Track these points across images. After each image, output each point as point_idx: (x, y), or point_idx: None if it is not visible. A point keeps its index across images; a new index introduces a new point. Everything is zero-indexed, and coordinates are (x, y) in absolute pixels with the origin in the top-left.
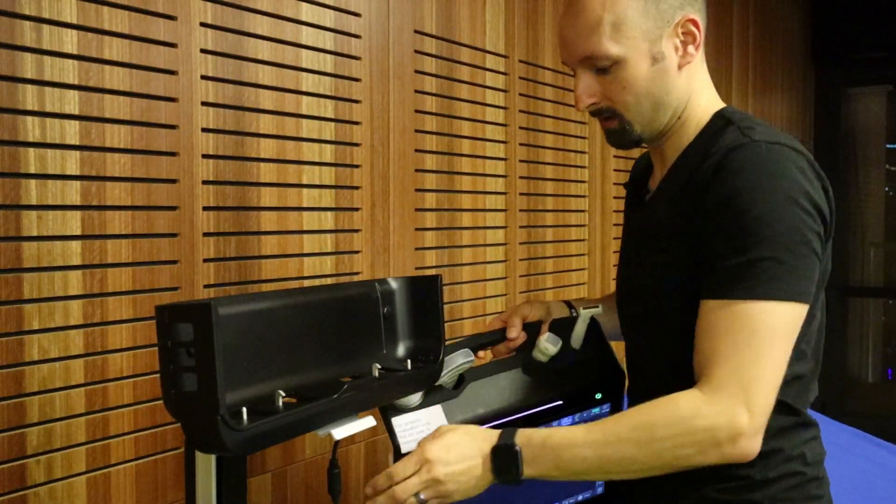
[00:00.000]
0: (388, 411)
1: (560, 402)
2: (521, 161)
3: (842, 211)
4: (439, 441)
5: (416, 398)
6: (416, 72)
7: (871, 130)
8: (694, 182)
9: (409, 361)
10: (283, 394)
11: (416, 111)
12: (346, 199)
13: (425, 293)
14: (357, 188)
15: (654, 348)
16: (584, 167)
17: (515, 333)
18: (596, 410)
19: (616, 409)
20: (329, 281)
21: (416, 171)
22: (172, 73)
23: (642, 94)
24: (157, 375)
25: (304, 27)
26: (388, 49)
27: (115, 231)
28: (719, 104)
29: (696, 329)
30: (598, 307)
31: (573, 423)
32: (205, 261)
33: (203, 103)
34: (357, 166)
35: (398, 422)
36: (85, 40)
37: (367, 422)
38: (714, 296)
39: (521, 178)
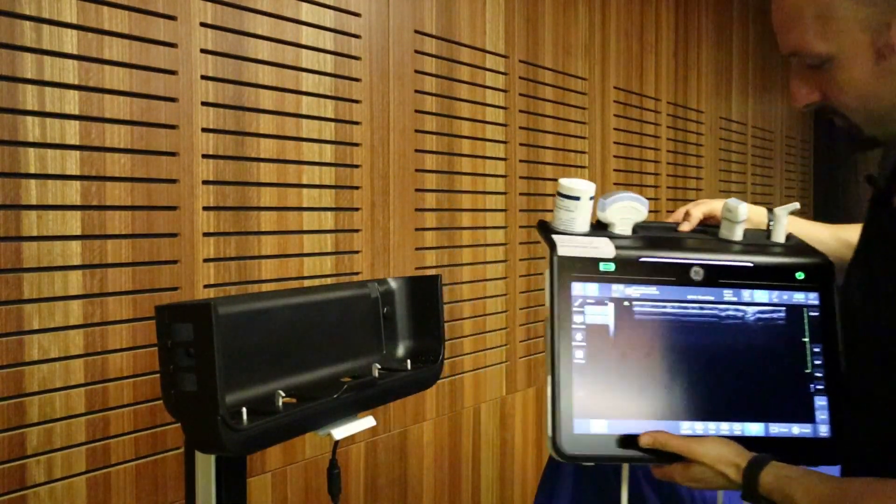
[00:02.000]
0: (548, 231)
1: (750, 265)
2: (521, 161)
3: (842, 211)
4: (687, 474)
5: (582, 227)
6: (416, 72)
7: None
8: None
9: (409, 361)
10: (283, 394)
11: (416, 111)
12: (346, 199)
13: (425, 293)
14: (357, 188)
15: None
16: (584, 167)
17: (688, 227)
18: (800, 297)
19: (826, 300)
20: (329, 281)
21: (416, 171)
22: (172, 73)
23: (867, 96)
24: (157, 375)
25: (304, 27)
26: (388, 49)
27: (115, 231)
28: None
29: None
30: (796, 204)
31: (769, 300)
32: (205, 261)
33: (203, 103)
34: (357, 166)
35: (561, 238)
36: (85, 40)
37: (367, 422)
38: None
39: (521, 178)
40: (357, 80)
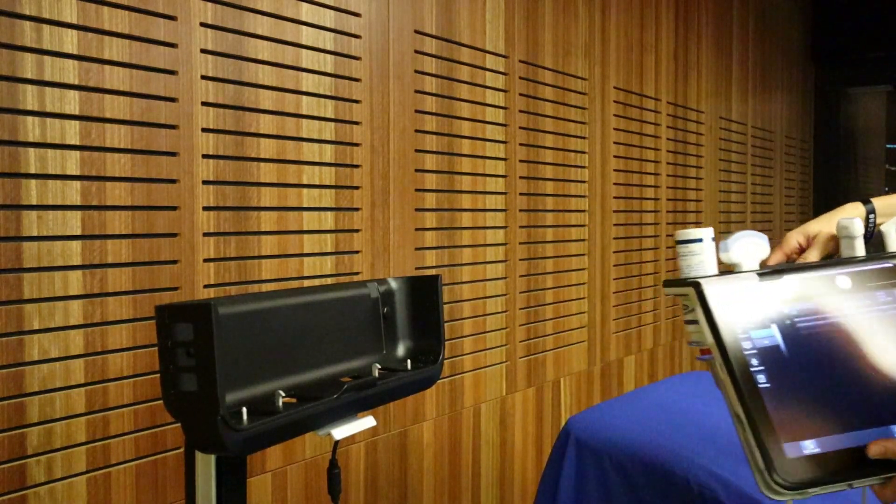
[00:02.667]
0: (683, 284)
1: (890, 265)
2: (521, 161)
3: None
4: None
5: (711, 269)
6: (416, 72)
7: (871, 130)
8: None
9: (409, 361)
10: (283, 394)
11: (416, 111)
12: (346, 199)
13: (425, 293)
14: (357, 188)
15: None
16: (584, 167)
17: (814, 256)
18: None
19: None
20: (329, 281)
21: (416, 171)
22: (172, 73)
23: None
24: (157, 375)
25: (304, 27)
26: (388, 49)
27: (115, 231)
28: None
29: None
30: None
31: None
32: (205, 261)
33: (203, 103)
34: (357, 166)
35: (710, 290)
36: (85, 40)
37: (367, 422)
38: None
39: (521, 178)
40: (357, 80)
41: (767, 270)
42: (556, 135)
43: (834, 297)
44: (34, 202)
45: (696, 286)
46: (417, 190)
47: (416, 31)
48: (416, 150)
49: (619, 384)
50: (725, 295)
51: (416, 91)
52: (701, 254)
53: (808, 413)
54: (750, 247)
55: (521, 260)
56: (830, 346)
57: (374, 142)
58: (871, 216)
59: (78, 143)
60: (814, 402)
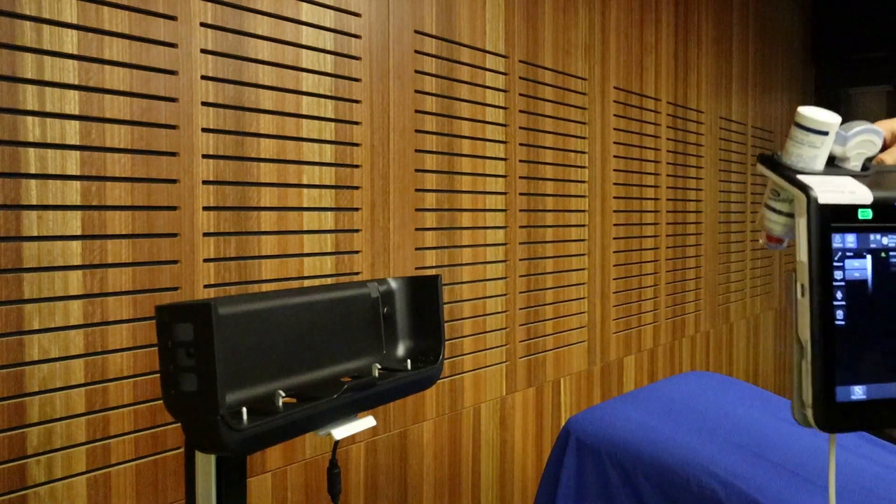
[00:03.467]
0: (785, 170)
1: None
2: (521, 161)
3: None
4: None
5: (822, 164)
6: (416, 72)
7: None
8: None
9: (409, 361)
10: (283, 394)
11: (416, 111)
12: (346, 199)
13: (425, 293)
14: (357, 188)
15: None
16: (584, 167)
17: (890, 161)
18: None
19: None
20: (329, 281)
21: (416, 171)
22: (172, 73)
23: None
24: (157, 375)
25: (304, 27)
26: (388, 49)
27: (115, 231)
28: None
29: None
30: None
31: None
32: (205, 261)
33: (203, 103)
34: (357, 166)
35: (812, 181)
36: (85, 40)
37: (367, 422)
38: None
39: (521, 178)
40: (357, 80)
41: (872, 180)
42: (556, 135)
43: None
44: (34, 202)
45: (807, 194)
46: (417, 190)
47: (416, 31)
48: (416, 150)
49: (619, 384)
50: (834, 212)
51: (416, 91)
52: (820, 147)
53: (871, 359)
54: (864, 144)
55: (521, 260)
56: None
57: (374, 142)
58: None
59: (78, 143)
60: (879, 348)
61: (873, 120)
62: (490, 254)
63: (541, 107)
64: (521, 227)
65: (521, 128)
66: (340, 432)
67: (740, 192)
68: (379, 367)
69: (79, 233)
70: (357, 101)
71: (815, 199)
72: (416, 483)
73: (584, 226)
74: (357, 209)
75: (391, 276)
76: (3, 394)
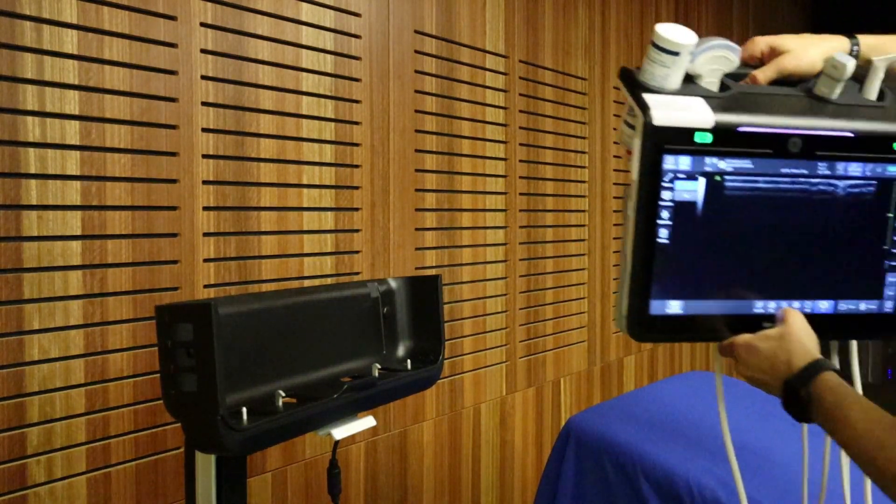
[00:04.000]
0: (636, 87)
1: (850, 135)
2: (521, 161)
3: None
4: (749, 344)
5: (674, 83)
6: (416, 72)
7: None
8: None
9: (409, 361)
10: (283, 394)
11: (416, 111)
12: (346, 199)
13: (425, 293)
14: (357, 188)
15: None
16: (584, 167)
17: (762, 79)
18: (893, 169)
19: None
20: (329, 281)
21: (416, 171)
22: (172, 73)
23: None
24: (157, 375)
25: (304, 27)
26: (388, 49)
27: (115, 231)
28: None
29: None
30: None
31: (863, 174)
32: (205, 261)
33: (203, 103)
34: (357, 166)
35: (654, 100)
36: (85, 40)
37: (367, 422)
38: None
39: (521, 178)
40: (357, 80)
41: (724, 101)
42: (556, 135)
43: (776, 160)
44: (34, 202)
45: (646, 114)
46: (417, 190)
47: (416, 31)
48: (416, 150)
49: (619, 384)
50: (670, 134)
51: (416, 91)
52: (671, 67)
53: (690, 277)
54: (716, 61)
55: (521, 260)
56: (743, 213)
57: (374, 142)
58: (855, 53)
59: (78, 143)
60: (700, 268)
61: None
62: (490, 254)
63: (541, 107)
64: (521, 227)
65: (521, 128)
66: (340, 432)
67: None
68: (379, 367)
69: (79, 233)
70: (357, 101)
71: (650, 121)
72: (416, 483)
73: (584, 226)
74: (357, 209)
75: (391, 276)
76: (3, 394)
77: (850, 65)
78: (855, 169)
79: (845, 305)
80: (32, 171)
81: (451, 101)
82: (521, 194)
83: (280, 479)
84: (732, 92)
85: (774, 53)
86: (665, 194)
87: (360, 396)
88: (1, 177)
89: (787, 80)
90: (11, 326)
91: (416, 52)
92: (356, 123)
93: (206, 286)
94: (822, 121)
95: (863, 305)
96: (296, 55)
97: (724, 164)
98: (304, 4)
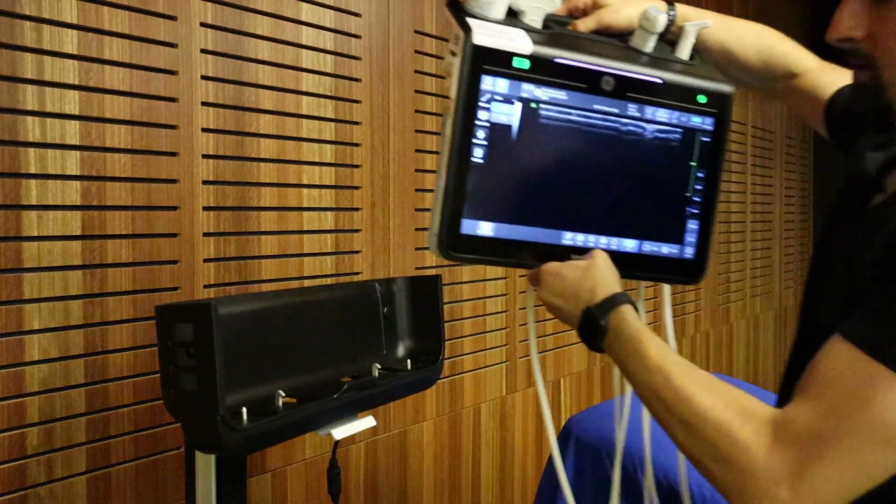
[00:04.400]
0: (461, 13)
1: (659, 81)
2: None
3: None
4: (558, 271)
5: (498, 12)
6: (416, 72)
7: None
8: None
9: (409, 361)
10: (283, 394)
11: (417, 111)
12: (346, 199)
13: (425, 293)
14: (357, 188)
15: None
16: None
17: (583, 28)
18: (697, 120)
19: (719, 128)
20: (329, 281)
21: (416, 171)
22: (172, 73)
23: None
24: (157, 375)
25: (304, 27)
26: (388, 49)
27: (115, 231)
28: None
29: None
30: (707, 22)
31: (669, 120)
32: (205, 261)
33: (203, 103)
34: (357, 166)
35: (477, 24)
36: (85, 40)
37: (367, 422)
38: (846, 336)
39: None
40: (357, 80)
41: (544, 37)
42: None
43: (590, 96)
44: (34, 202)
45: (467, 34)
46: (417, 190)
47: (416, 31)
48: (416, 150)
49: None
50: (489, 56)
51: (417, 91)
52: None
53: (503, 199)
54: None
55: None
56: (557, 142)
57: (374, 142)
58: (671, 17)
59: (78, 143)
60: (513, 192)
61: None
62: None
63: None
64: None
65: None
66: (340, 432)
67: (740, 192)
68: (379, 367)
69: (79, 233)
70: (357, 101)
71: (471, 40)
72: (416, 483)
73: None
74: (357, 209)
75: (391, 276)
76: (3, 394)
77: (662, 18)
78: (662, 115)
79: (649, 247)
80: (32, 171)
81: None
82: None
83: (280, 479)
84: (553, 31)
85: (596, 7)
86: (482, 114)
87: (360, 396)
88: (1, 177)
89: (606, 34)
90: (11, 326)
91: (417, 52)
92: (356, 123)
93: (206, 286)
94: (635, 66)
95: (665, 248)
96: (296, 55)
97: (540, 93)
98: (304, 4)
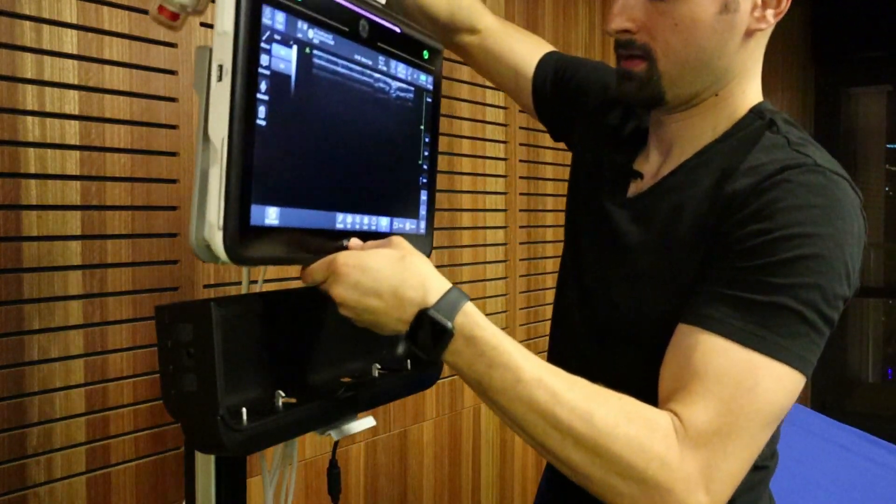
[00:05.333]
0: None
1: (397, 30)
2: (521, 161)
3: None
4: (362, 263)
5: None
6: None
7: (871, 130)
8: (726, 195)
9: (409, 361)
10: (283, 394)
11: None
12: None
13: None
14: None
15: (620, 373)
16: None
17: None
18: (423, 79)
19: (437, 87)
20: None
21: None
22: (172, 73)
23: (693, 42)
24: (157, 375)
25: None
26: None
27: (115, 231)
28: (759, 98)
29: (673, 356)
30: None
31: (406, 77)
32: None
33: None
34: None
35: None
36: (85, 40)
37: (367, 422)
38: (715, 331)
39: (521, 178)
40: None
41: None
42: None
43: (350, 44)
44: (34, 202)
45: None
46: None
47: None
48: None
49: None
50: None
51: None
52: None
53: (286, 177)
54: None
55: (521, 260)
56: (327, 99)
57: None
58: None
59: (78, 143)
60: (296, 164)
61: (873, 121)
62: (490, 254)
63: None
64: (521, 227)
65: (521, 128)
66: (340, 432)
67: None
68: (379, 367)
69: (79, 233)
70: None
71: None
72: (416, 483)
73: None
74: None
75: None
76: (3, 394)
77: None
78: (401, 70)
79: (398, 224)
80: (32, 171)
81: (451, 101)
82: (521, 194)
83: (280, 479)
84: None
85: None
86: (263, 59)
87: (360, 396)
88: (1, 177)
89: None
90: (11, 326)
91: None
92: None
93: (206, 286)
94: (378, 11)
95: (408, 225)
96: None
97: (312, 35)
98: None
